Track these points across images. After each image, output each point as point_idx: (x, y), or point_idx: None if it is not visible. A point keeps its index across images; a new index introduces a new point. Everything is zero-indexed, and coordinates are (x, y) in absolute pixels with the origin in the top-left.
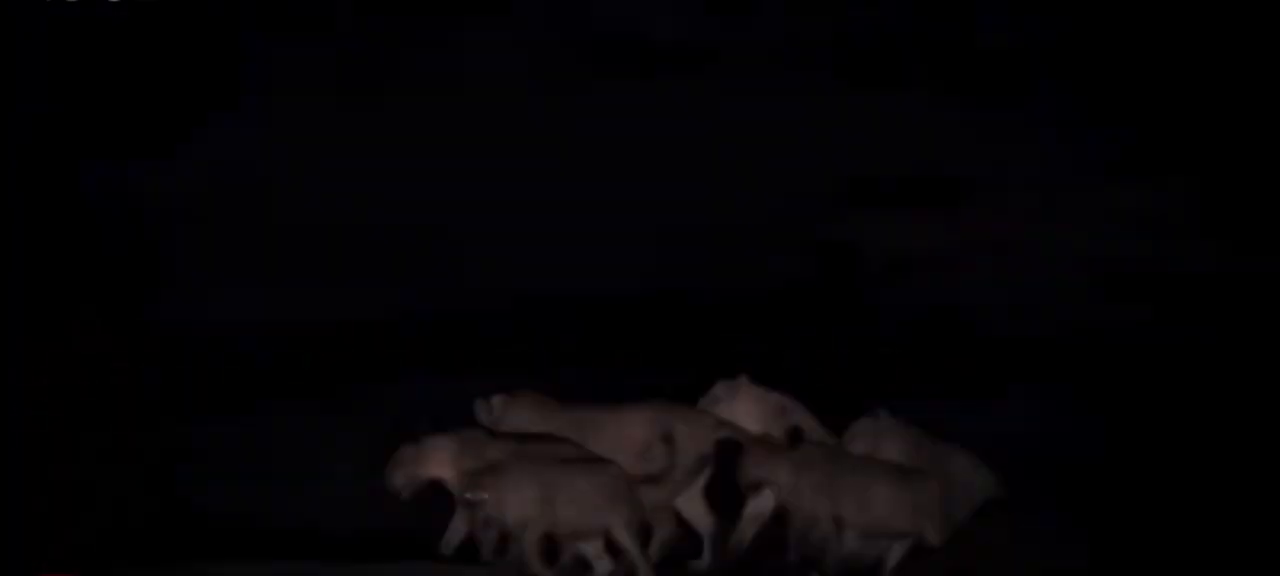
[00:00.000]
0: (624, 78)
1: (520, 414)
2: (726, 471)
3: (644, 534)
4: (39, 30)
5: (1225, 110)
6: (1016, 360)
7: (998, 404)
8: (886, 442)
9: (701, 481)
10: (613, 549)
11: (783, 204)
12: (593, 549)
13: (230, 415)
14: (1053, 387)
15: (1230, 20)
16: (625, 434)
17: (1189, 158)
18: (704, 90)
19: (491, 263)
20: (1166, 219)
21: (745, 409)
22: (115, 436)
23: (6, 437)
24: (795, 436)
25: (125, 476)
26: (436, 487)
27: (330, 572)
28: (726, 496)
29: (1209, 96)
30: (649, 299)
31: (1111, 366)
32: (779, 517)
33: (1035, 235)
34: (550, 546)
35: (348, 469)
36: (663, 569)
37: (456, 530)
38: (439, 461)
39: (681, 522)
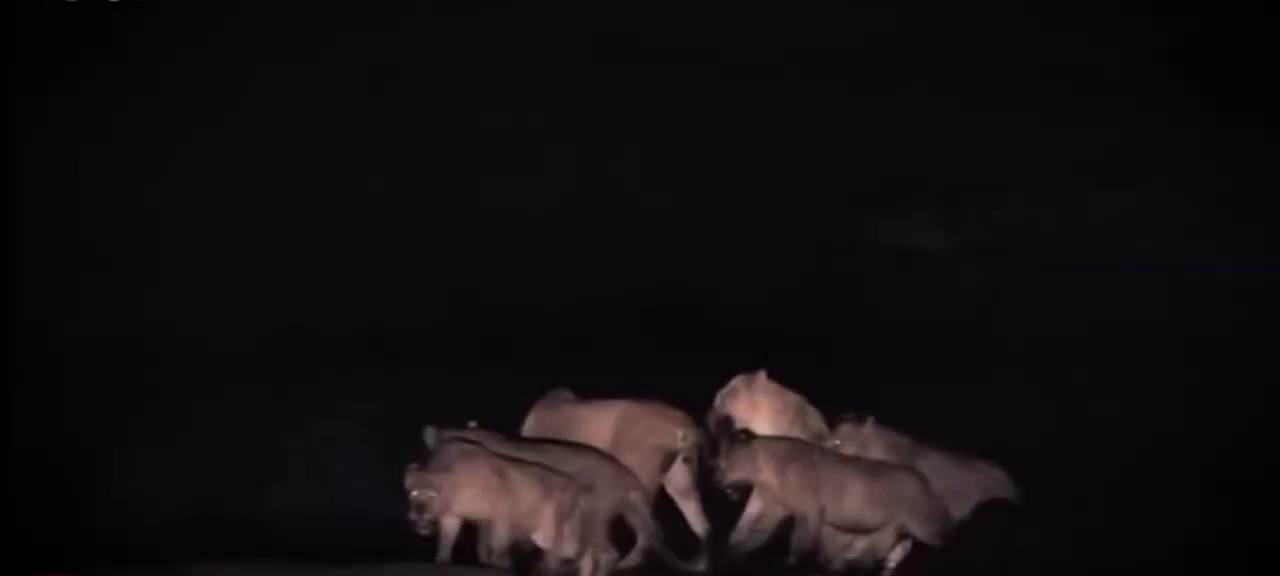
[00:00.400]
0: (625, 78)
1: (535, 413)
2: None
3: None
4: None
5: (1225, 109)
6: (1018, 359)
7: (999, 403)
8: (872, 448)
9: (689, 484)
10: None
11: (784, 205)
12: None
13: (230, 413)
14: (1053, 387)
15: (1229, 19)
16: (594, 430)
17: (1190, 157)
18: (706, 91)
19: (493, 263)
20: (1168, 218)
21: (763, 405)
22: (111, 436)
23: (4, 438)
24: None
25: (121, 476)
26: None
27: (328, 572)
28: (724, 498)
29: (1208, 95)
30: (650, 299)
31: (1113, 366)
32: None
33: (1035, 234)
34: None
35: (350, 468)
36: (658, 570)
37: (500, 536)
38: None
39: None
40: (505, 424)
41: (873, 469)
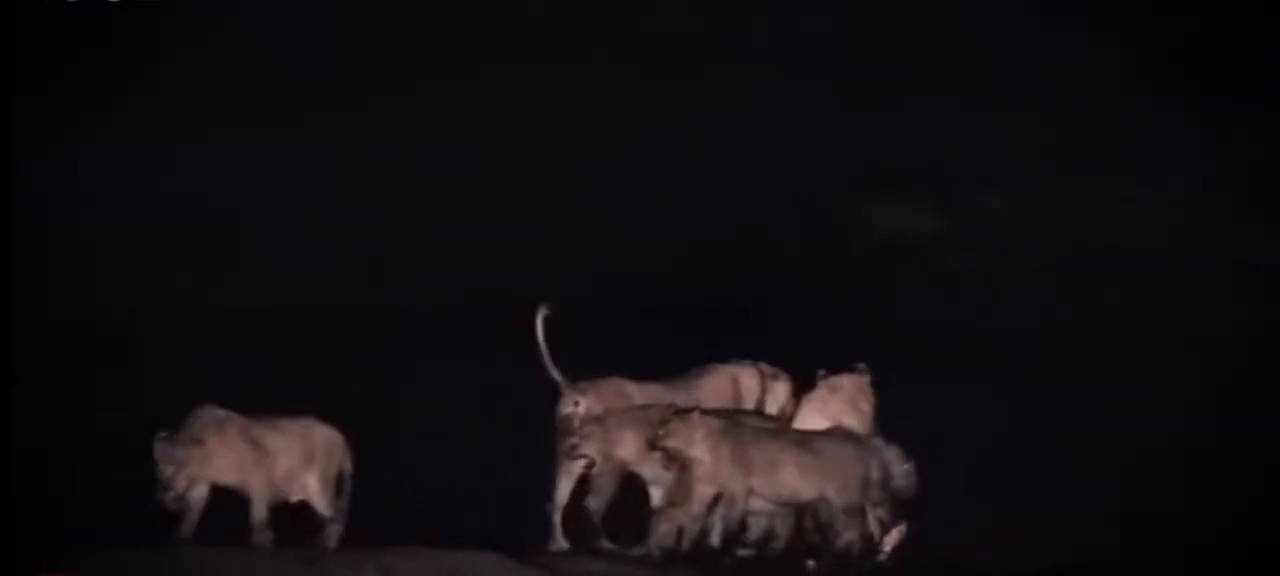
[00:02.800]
0: (625, 77)
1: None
2: None
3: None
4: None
5: (1225, 108)
6: (1019, 358)
7: (999, 401)
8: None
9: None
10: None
11: (784, 203)
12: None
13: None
14: (1054, 385)
15: (1229, 19)
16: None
17: (1190, 155)
18: (706, 90)
19: (493, 261)
20: (1165, 210)
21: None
22: (111, 432)
23: (4, 438)
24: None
25: (121, 471)
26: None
27: (327, 558)
28: None
29: (1208, 94)
30: (650, 298)
31: (1114, 363)
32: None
33: (1036, 234)
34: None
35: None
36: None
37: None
38: None
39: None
40: (503, 421)
41: (802, 441)
